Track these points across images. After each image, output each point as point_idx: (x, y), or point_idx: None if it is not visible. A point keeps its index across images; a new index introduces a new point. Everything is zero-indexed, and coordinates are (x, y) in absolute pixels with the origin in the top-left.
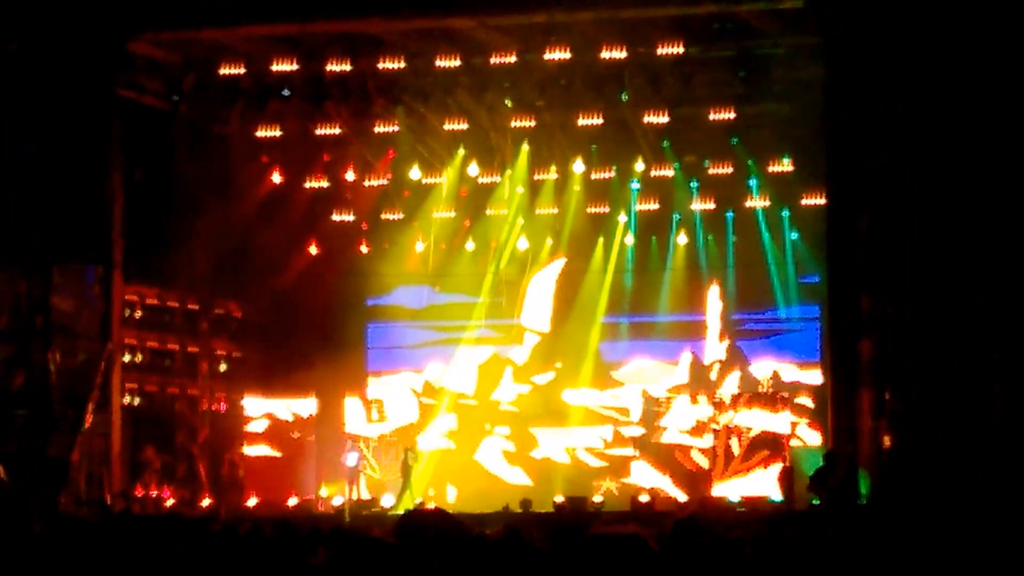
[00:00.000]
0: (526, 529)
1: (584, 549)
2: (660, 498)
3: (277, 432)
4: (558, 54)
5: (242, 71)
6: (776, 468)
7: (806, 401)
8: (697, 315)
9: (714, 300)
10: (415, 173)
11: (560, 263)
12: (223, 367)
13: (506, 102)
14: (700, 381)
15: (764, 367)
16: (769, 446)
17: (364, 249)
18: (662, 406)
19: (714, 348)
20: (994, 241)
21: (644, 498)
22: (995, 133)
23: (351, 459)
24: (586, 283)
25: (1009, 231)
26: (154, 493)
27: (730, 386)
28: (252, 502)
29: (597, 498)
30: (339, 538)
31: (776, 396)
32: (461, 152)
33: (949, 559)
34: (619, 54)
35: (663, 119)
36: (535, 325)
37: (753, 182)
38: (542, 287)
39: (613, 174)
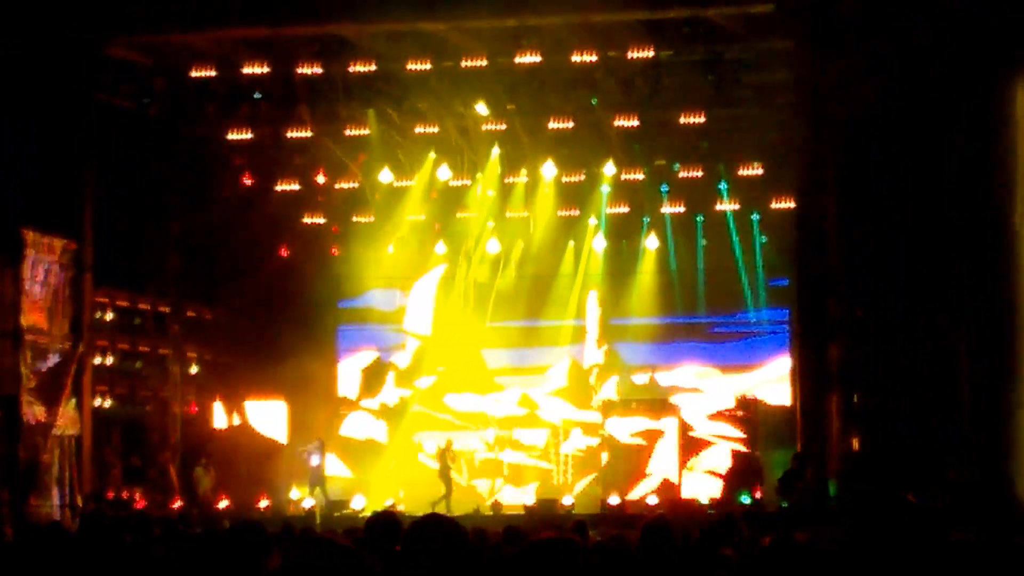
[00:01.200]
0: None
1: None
2: (631, 501)
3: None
4: (529, 58)
5: (213, 74)
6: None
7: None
8: (665, 318)
9: (593, 306)
10: (386, 176)
11: (441, 269)
12: (194, 369)
13: (477, 111)
14: (579, 386)
15: (653, 373)
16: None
17: (335, 252)
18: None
19: (592, 353)
20: (963, 246)
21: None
22: (965, 138)
23: (315, 459)
24: (556, 286)
25: (978, 236)
26: (124, 495)
27: (607, 391)
28: (223, 504)
29: (567, 500)
30: (295, 540)
31: (631, 403)
32: (432, 155)
33: (916, 561)
34: (590, 58)
35: (633, 123)
36: (417, 330)
37: (723, 186)
38: (423, 293)
39: (583, 177)
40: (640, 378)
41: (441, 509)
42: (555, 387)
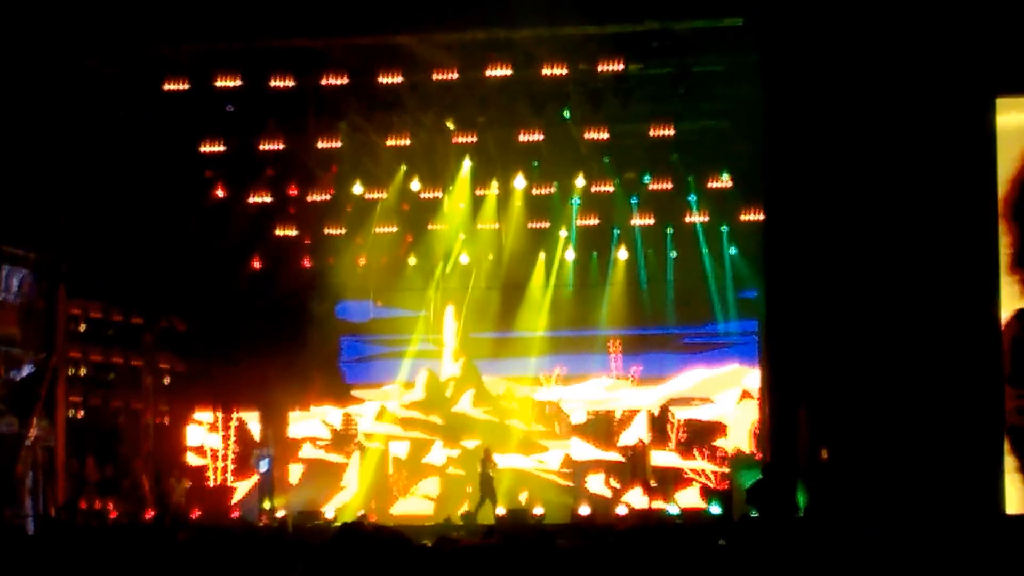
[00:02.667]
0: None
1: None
2: (600, 512)
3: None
4: (499, 71)
5: (186, 87)
6: None
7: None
8: (638, 329)
9: (450, 319)
10: (358, 188)
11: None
12: (167, 380)
13: (448, 124)
14: (436, 398)
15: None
16: None
17: (307, 264)
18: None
19: (449, 366)
20: (933, 257)
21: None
22: (933, 151)
23: (263, 465)
24: (528, 298)
25: (948, 247)
26: (98, 506)
27: (464, 404)
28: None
29: (538, 510)
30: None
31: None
32: (403, 168)
33: (885, 571)
34: (560, 71)
35: (603, 135)
36: None
37: (692, 198)
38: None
39: (554, 190)
40: (496, 388)
41: (485, 517)
42: (412, 399)
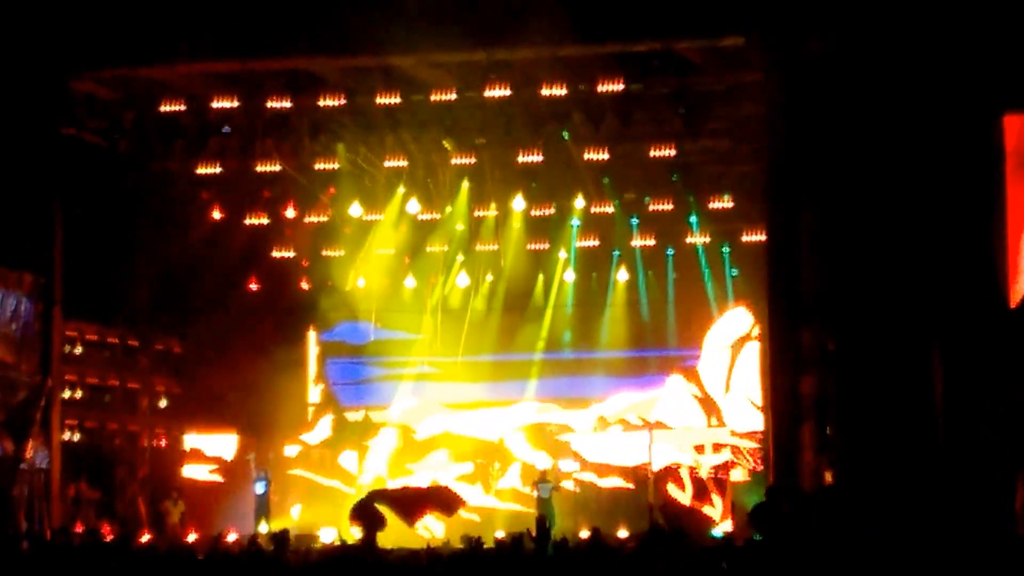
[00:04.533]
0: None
1: None
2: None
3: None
4: (498, 91)
5: (182, 108)
6: None
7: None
8: (639, 351)
9: (312, 345)
10: (355, 210)
11: None
12: (163, 403)
13: (445, 144)
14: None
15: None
16: None
17: (305, 286)
18: None
19: (310, 392)
20: (934, 276)
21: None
22: (935, 171)
23: (258, 488)
24: (526, 319)
25: (949, 265)
26: (93, 528)
27: (323, 429)
28: (192, 538)
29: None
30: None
31: None
32: (401, 189)
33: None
34: (559, 91)
35: (603, 156)
36: None
37: (693, 218)
38: None
39: (553, 211)
40: (353, 415)
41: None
42: None
